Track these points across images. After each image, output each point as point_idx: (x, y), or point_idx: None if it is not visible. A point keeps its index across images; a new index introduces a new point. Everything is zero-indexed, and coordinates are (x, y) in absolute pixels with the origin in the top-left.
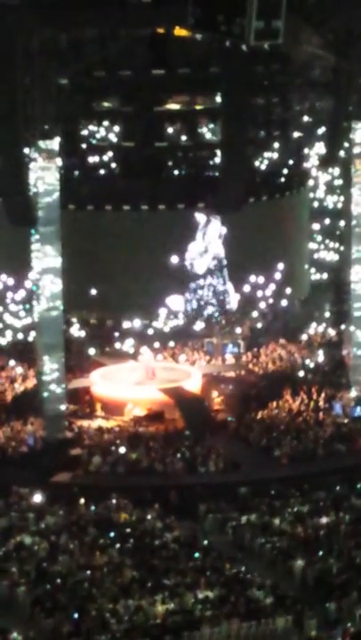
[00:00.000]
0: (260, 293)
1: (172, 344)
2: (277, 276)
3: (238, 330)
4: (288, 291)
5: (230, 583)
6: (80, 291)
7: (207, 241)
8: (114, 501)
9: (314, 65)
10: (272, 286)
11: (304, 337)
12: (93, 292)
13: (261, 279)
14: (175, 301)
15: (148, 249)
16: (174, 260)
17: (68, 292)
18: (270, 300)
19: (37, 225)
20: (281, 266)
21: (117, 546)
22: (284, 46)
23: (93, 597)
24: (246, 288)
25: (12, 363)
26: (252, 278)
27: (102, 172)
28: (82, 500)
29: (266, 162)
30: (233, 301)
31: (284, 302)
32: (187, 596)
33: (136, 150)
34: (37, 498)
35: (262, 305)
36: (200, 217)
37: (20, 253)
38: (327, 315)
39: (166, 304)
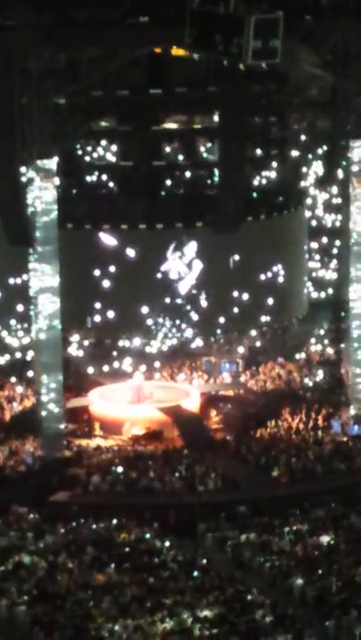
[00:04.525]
0: (258, 312)
1: (158, 364)
2: (275, 294)
3: (239, 349)
4: (287, 309)
5: (229, 602)
6: (78, 310)
7: (185, 260)
8: (114, 521)
9: (312, 84)
10: (270, 304)
11: (303, 355)
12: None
13: (259, 297)
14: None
15: (145, 267)
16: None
17: (67, 312)
18: (268, 319)
19: (35, 244)
20: (279, 284)
21: (116, 565)
22: (282, 65)
23: (92, 617)
24: (243, 306)
25: (10, 382)
26: (251, 296)
27: (100, 191)
28: (80, 520)
29: (264, 181)
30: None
31: (282, 321)
32: (186, 615)
33: (134, 169)
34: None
35: (260, 323)
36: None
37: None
38: (326, 333)
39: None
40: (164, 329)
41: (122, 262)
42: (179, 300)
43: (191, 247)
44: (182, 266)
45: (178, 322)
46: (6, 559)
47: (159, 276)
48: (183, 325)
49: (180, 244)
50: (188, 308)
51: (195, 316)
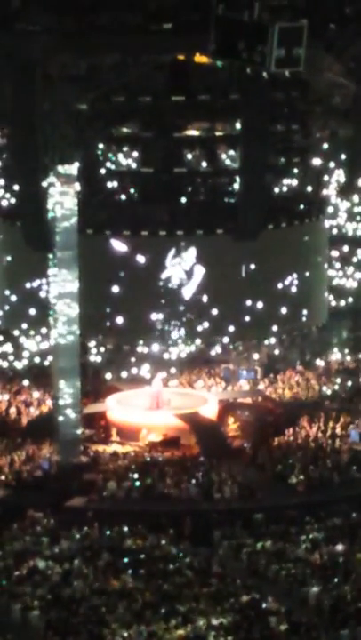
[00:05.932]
0: (275, 320)
1: (174, 370)
2: (294, 302)
3: (255, 356)
4: (306, 317)
5: (244, 610)
6: (97, 315)
7: (186, 266)
8: (129, 527)
9: (334, 92)
10: (289, 313)
11: (322, 364)
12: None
13: (277, 306)
14: None
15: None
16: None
17: (85, 317)
18: (287, 327)
19: (55, 249)
20: (298, 292)
21: (131, 571)
22: (305, 73)
23: (107, 622)
24: (258, 314)
25: (27, 386)
26: (268, 305)
27: (121, 197)
28: (96, 525)
29: (285, 189)
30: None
31: (301, 329)
32: (200, 622)
33: (155, 176)
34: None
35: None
36: None
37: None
38: (345, 342)
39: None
40: (174, 335)
41: (137, 269)
42: (182, 307)
43: (190, 254)
44: (182, 273)
45: (183, 329)
46: (21, 564)
47: (164, 283)
48: (189, 333)
49: (179, 251)
50: (191, 315)
51: (201, 324)
